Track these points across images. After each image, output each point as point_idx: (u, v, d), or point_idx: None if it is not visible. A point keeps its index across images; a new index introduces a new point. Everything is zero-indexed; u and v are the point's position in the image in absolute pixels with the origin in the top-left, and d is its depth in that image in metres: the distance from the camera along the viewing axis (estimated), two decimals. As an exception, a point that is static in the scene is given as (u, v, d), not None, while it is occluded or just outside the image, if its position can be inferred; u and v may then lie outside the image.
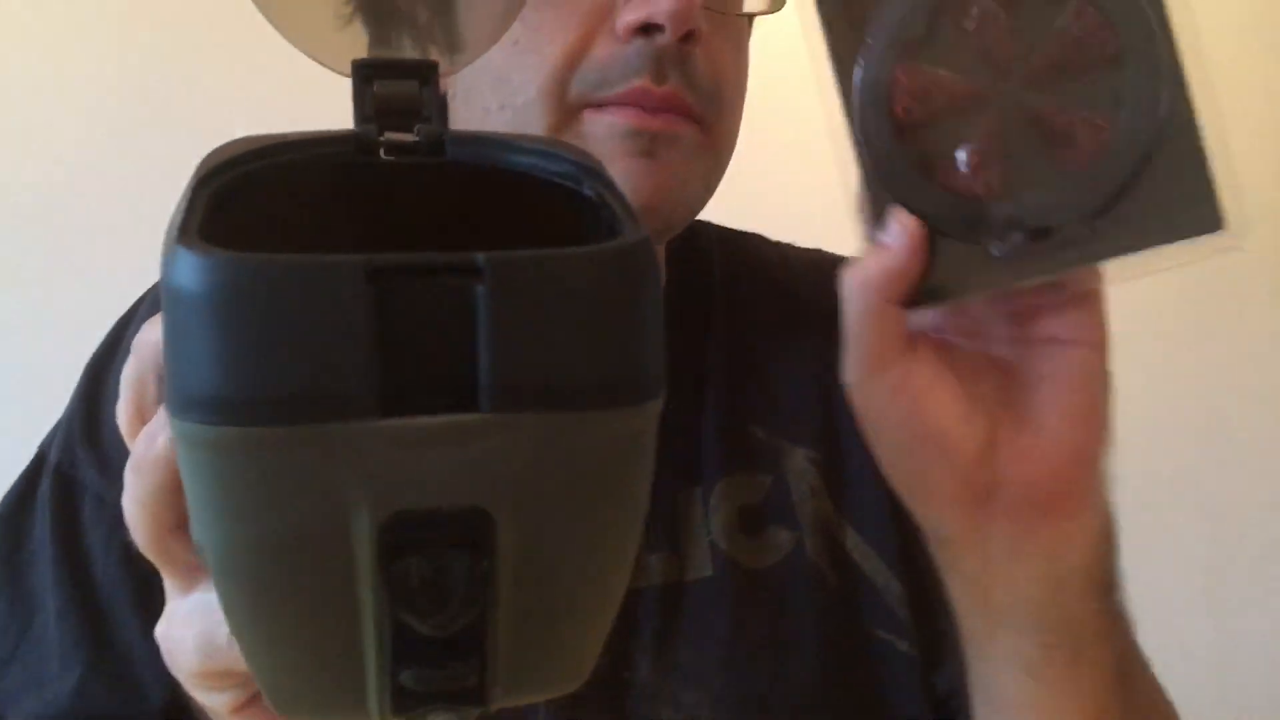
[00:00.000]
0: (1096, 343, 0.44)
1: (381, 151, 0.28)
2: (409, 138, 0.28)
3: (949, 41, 0.41)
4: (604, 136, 0.55)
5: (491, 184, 0.29)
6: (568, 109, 0.55)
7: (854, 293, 0.43)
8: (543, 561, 0.25)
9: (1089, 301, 0.44)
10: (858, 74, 0.42)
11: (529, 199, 0.29)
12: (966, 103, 0.41)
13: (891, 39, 0.42)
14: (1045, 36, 0.40)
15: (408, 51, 0.33)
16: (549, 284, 0.23)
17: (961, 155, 0.42)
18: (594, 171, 0.29)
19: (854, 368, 0.44)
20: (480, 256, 0.23)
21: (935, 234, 0.42)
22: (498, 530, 0.24)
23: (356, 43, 0.30)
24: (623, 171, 0.54)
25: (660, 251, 0.65)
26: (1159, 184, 0.40)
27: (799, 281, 0.70)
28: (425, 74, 0.29)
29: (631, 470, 0.26)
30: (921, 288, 0.42)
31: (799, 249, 0.74)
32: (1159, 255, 0.41)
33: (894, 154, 0.42)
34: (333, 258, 0.22)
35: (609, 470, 0.25)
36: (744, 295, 0.69)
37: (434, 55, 0.57)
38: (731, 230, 0.73)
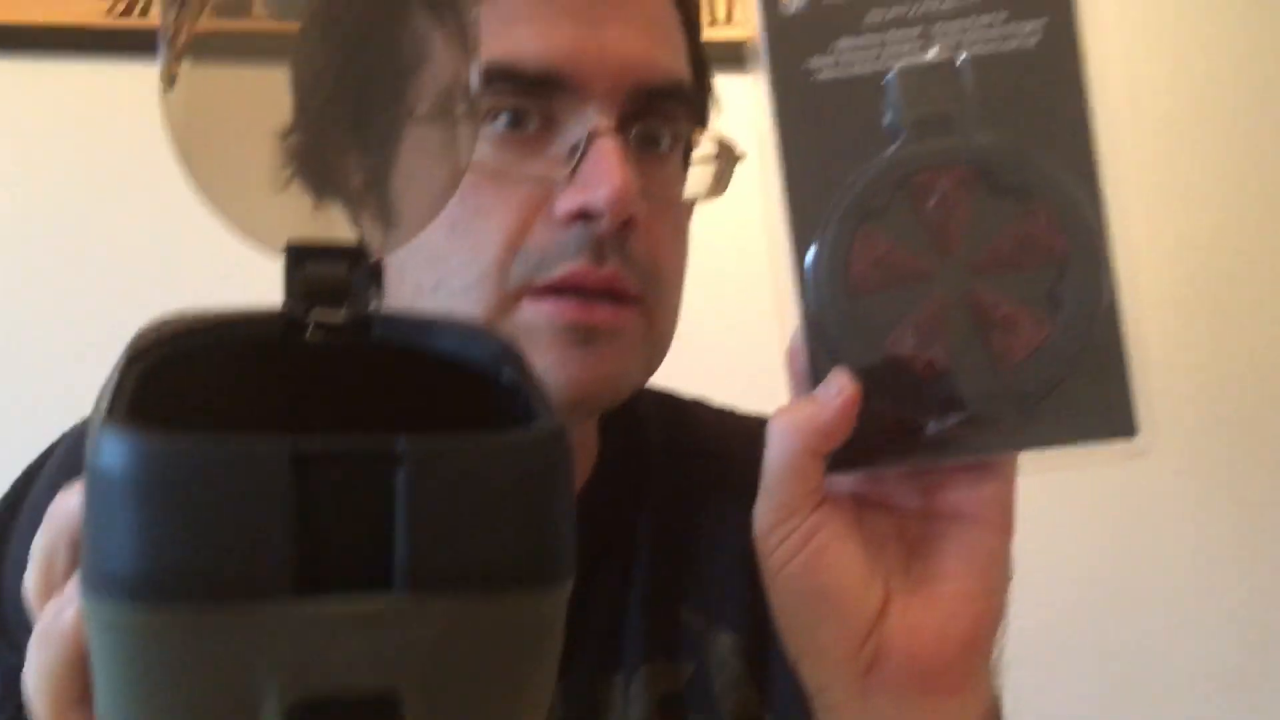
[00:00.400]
0: (1001, 525, 0.44)
1: (309, 331, 0.29)
2: (336, 319, 0.29)
3: (909, 218, 0.43)
4: (542, 326, 0.55)
5: (416, 365, 0.30)
6: (506, 295, 0.55)
7: (778, 438, 0.43)
8: None
9: (1000, 483, 0.44)
10: (816, 237, 0.44)
11: (451, 381, 0.30)
12: (918, 279, 0.43)
13: (854, 206, 0.43)
14: (999, 229, 0.42)
15: (342, 225, 0.34)
16: (466, 470, 0.24)
17: (907, 330, 0.43)
18: (514, 358, 0.30)
19: (764, 515, 0.44)
20: (401, 442, 0.24)
21: (869, 400, 0.42)
22: (406, 714, 0.24)
23: (289, 224, 0.31)
24: (559, 360, 0.55)
25: (591, 425, 0.65)
26: (1084, 385, 0.42)
27: (735, 453, 0.68)
28: (355, 258, 0.30)
29: (539, 652, 0.26)
30: (845, 451, 0.43)
31: (739, 417, 0.73)
32: (1075, 452, 0.42)
33: (842, 317, 0.43)
34: (257, 441, 0.23)
35: (518, 652, 0.25)
36: (678, 468, 0.68)
37: (368, 230, 0.59)
38: (672, 397, 0.73)
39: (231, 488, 0.23)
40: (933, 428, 0.43)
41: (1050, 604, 1.51)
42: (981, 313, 0.42)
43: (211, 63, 0.33)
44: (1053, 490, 1.38)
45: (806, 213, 0.44)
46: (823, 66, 0.44)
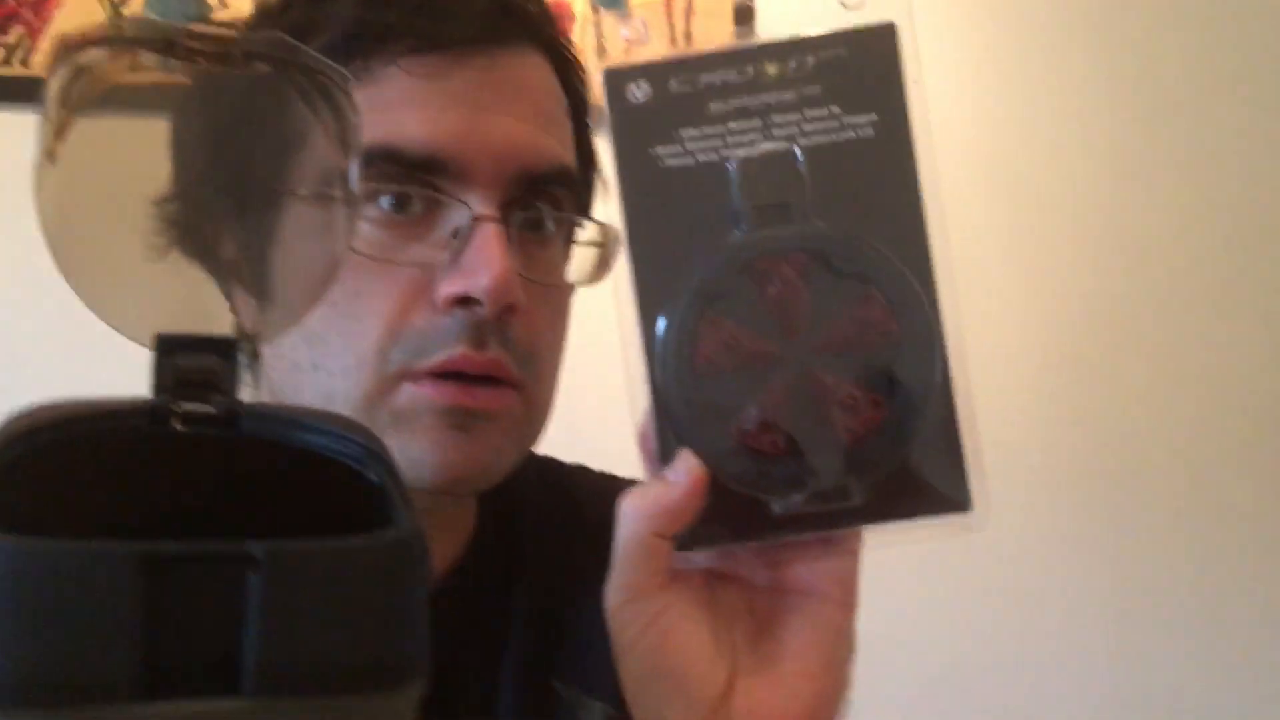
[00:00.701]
0: (843, 600, 0.45)
1: (177, 423, 0.29)
2: (205, 409, 0.30)
3: (752, 302, 0.44)
4: (422, 410, 0.55)
5: (283, 457, 0.30)
6: (385, 379, 0.55)
7: (627, 520, 0.44)
8: None
9: (842, 559, 0.45)
10: (663, 318, 0.45)
11: (319, 474, 0.30)
12: (762, 361, 0.44)
13: (700, 291, 0.44)
14: (837, 313, 0.44)
15: (215, 314, 0.35)
16: (319, 575, 0.25)
17: (752, 411, 0.44)
18: (379, 457, 0.30)
19: (613, 593, 0.45)
20: (257, 548, 0.24)
21: (717, 480, 0.44)
22: None
23: (159, 313, 0.31)
24: (436, 443, 0.55)
25: (469, 500, 0.65)
26: (921, 462, 0.44)
27: (612, 519, 0.69)
28: (226, 349, 0.30)
29: None
30: (694, 530, 0.44)
31: (621, 482, 0.71)
32: (915, 525, 0.44)
33: (689, 399, 0.44)
34: (107, 545, 0.23)
35: None
36: (555, 537, 0.68)
37: (242, 307, 0.59)
38: (551, 462, 0.73)
39: (80, 591, 0.23)
40: (779, 506, 0.44)
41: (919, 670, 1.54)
42: (823, 394, 0.44)
43: (92, 139, 0.33)
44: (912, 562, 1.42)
45: (653, 296, 0.45)
46: (668, 154, 0.45)
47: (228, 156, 0.58)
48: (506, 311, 0.55)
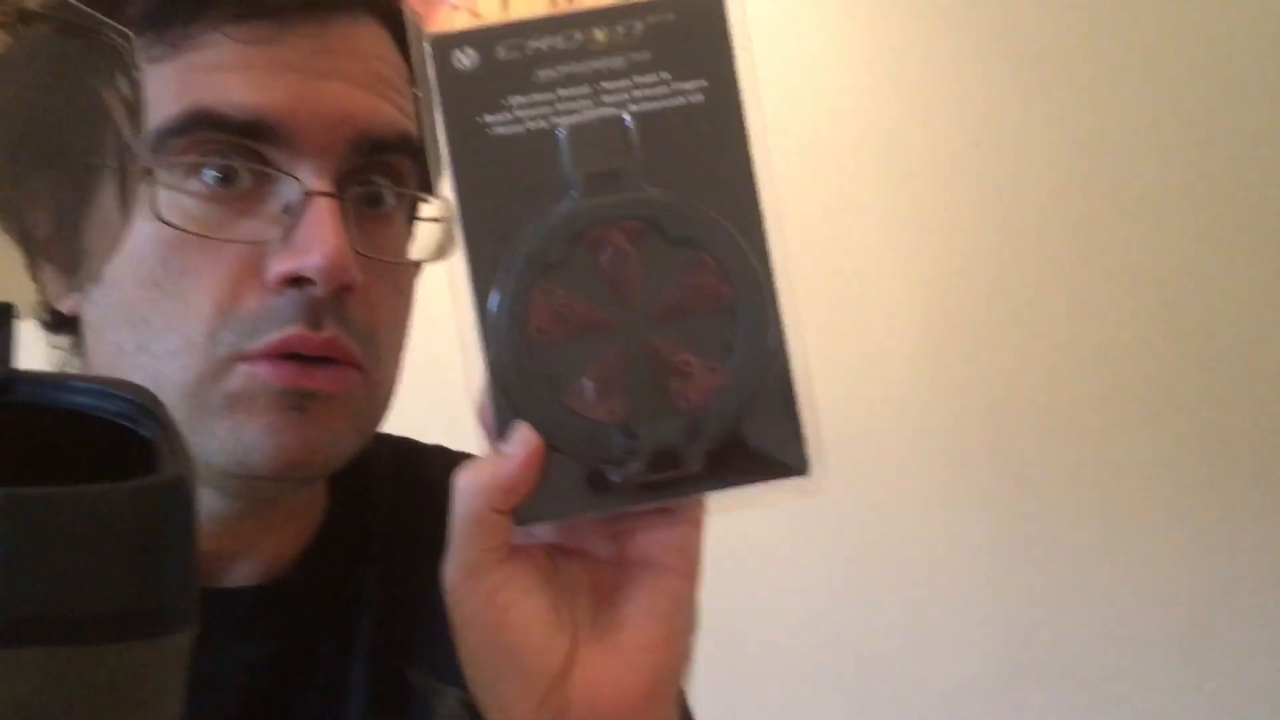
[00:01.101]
0: (685, 571, 0.45)
1: None
2: None
3: (585, 271, 0.44)
4: (257, 391, 0.53)
5: (59, 422, 0.29)
6: (217, 361, 0.53)
7: (462, 496, 0.43)
8: None
9: (684, 528, 0.45)
10: (495, 289, 0.44)
11: (95, 438, 0.29)
12: (596, 330, 0.44)
13: (531, 260, 0.44)
14: (670, 279, 0.44)
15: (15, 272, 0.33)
16: (65, 521, 0.24)
17: (587, 381, 0.44)
18: (151, 412, 0.29)
19: (450, 571, 0.44)
20: None
21: (553, 452, 0.43)
22: None
23: None
24: (272, 425, 0.53)
25: (319, 482, 0.63)
26: (758, 427, 0.43)
27: None
28: (2, 316, 0.29)
29: (151, 701, 0.26)
30: (532, 503, 0.43)
31: None
32: (754, 491, 0.44)
33: (523, 370, 0.44)
34: None
35: (125, 703, 0.25)
36: (409, 521, 0.66)
37: (50, 281, 0.56)
38: (408, 444, 0.71)
39: None
40: (615, 476, 0.43)
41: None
42: (658, 361, 0.43)
43: None
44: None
45: (485, 267, 0.44)
46: (497, 123, 0.44)
47: (38, 127, 0.56)
48: (343, 290, 0.53)
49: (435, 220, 0.61)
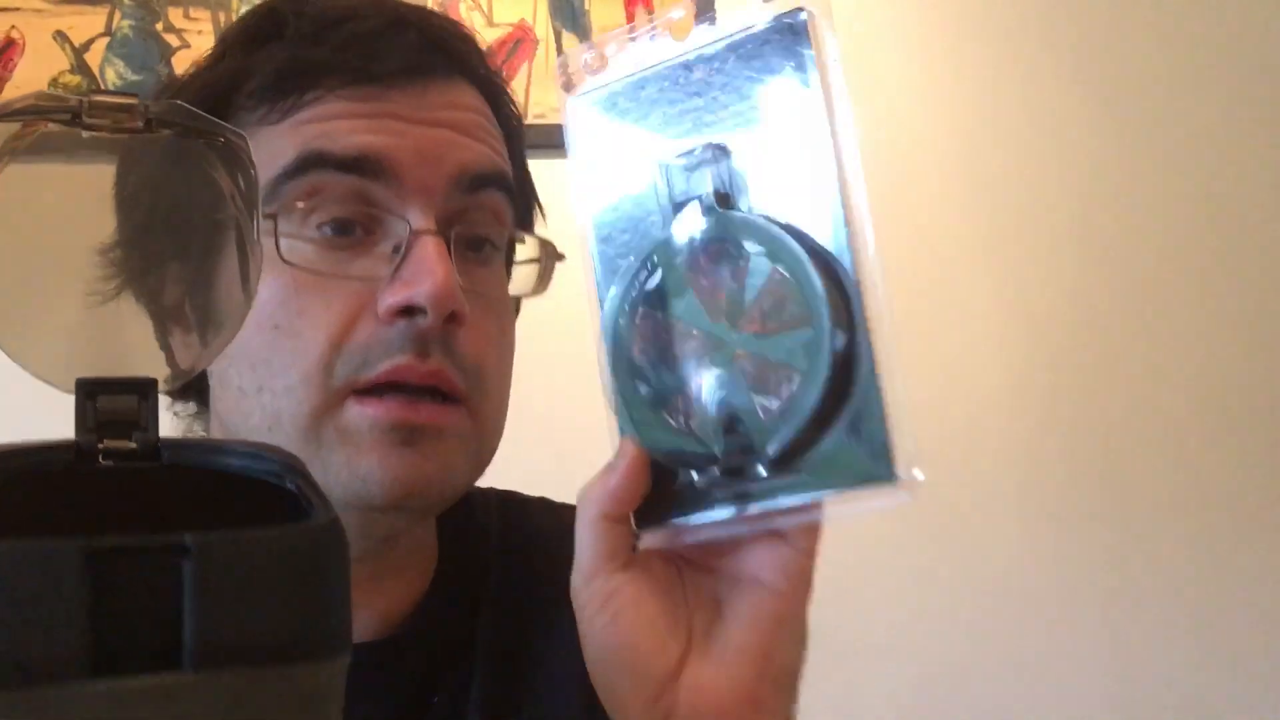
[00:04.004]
0: (789, 591, 0.47)
1: (100, 458, 0.32)
2: (127, 445, 0.32)
3: (678, 292, 0.47)
4: (366, 428, 0.55)
5: (204, 483, 0.33)
6: (332, 394, 0.56)
7: (581, 505, 0.47)
8: None
9: (791, 551, 0.47)
10: (604, 315, 0.48)
11: (239, 496, 0.33)
12: (688, 347, 0.46)
13: (631, 286, 0.48)
14: (754, 296, 0.46)
15: (138, 351, 0.37)
16: (246, 560, 0.28)
17: (681, 395, 0.47)
18: (295, 469, 0.33)
19: (574, 576, 0.48)
20: (188, 537, 0.27)
21: (660, 465, 0.47)
22: None
23: (80, 361, 0.33)
24: (382, 460, 0.55)
25: (429, 529, 0.66)
26: (845, 436, 0.44)
27: (572, 553, 0.70)
28: (144, 389, 0.33)
29: (321, 717, 0.29)
30: (646, 511, 0.47)
31: None
32: (842, 499, 0.45)
33: (627, 388, 0.47)
34: (54, 540, 0.26)
35: (303, 718, 0.29)
36: (518, 572, 0.68)
37: (179, 346, 0.60)
38: (513, 497, 0.73)
39: (31, 583, 0.26)
40: (700, 482, 0.46)
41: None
42: (743, 374, 0.45)
43: (18, 190, 0.34)
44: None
45: (602, 294, 0.49)
46: (617, 162, 0.49)
47: (165, 205, 0.60)
48: (450, 321, 0.56)
49: (532, 261, 0.65)
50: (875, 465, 0.44)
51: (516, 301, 0.66)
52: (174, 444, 0.33)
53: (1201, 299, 1.68)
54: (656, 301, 0.47)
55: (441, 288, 0.55)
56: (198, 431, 0.64)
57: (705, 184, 0.47)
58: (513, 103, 0.68)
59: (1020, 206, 1.66)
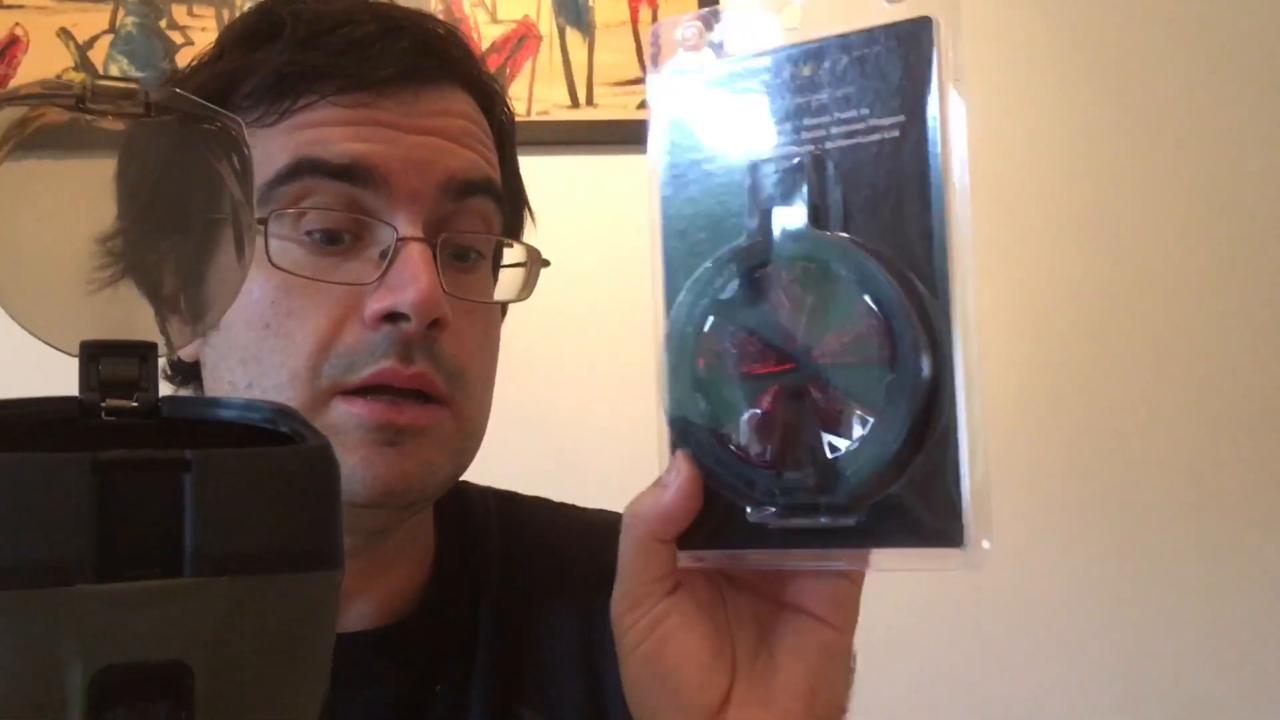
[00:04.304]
0: (838, 623, 0.45)
1: (102, 414, 0.33)
2: (129, 403, 0.34)
3: (752, 308, 0.43)
4: (351, 427, 0.57)
5: (203, 436, 0.34)
6: (318, 394, 0.57)
7: (628, 525, 0.45)
8: (235, 710, 0.29)
9: (840, 582, 0.45)
10: (669, 321, 0.45)
11: (238, 441, 0.34)
12: (760, 371, 0.43)
13: (702, 294, 0.44)
14: (835, 324, 0.42)
15: (142, 324, 0.39)
16: (242, 476, 0.30)
17: (744, 419, 0.43)
18: (288, 414, 0.35)
19: (617, 600, 0.46)
20: (188, 452, 0.29)
21: (713, 487, 0.43)
22: (196, 681, 0.28)
23: (82, 324, 0.35)
24: (366, 459, 0.57)
25: (425, 522, 0.67)
26: (915, 490, 0.41)
27: (572, 549, 0.70)
28: (145, 353, 0.35)
29: (311, 628, 0.31)
30: (694, 534, 0.44)
31: (581, 512, 0.74)
32: (902, 556, 0.41)
33: (685, 403, 0.44)
34: (62, 454, 0.28)
35: (291, 627, 0.30)
36: (519, 566, 0.69)
37: (176, 330, 0.63)
38: (512, 495, 0.75)
39: (42, 492, 0.28)
40: (753, 516, 0.43)
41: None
42: (814, 406, 0.42)
43: (26, 179, 0.36)
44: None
45: (671, 297, 0.45)
46: (703, 158, 0.45)
47: (165, 193, 0.63)
48: (434, 327, 0.57)
49: (518, 265, 0.66)
50: (944, 527, 0.40)
51: (503, 305, 0.68)
52: (173, 400, 0.35)
53: (1207, 300, 1.69)
54: (730, 313, 0.43)
55: (425, 295, 0.56)
56: None
57: (800, 195, 0.43)
58: (506, 107, 0.69)
59: (1023, 208, 1.67)
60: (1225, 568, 1.63)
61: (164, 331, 0.66)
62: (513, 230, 0.69)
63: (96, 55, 1.46)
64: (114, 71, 1.45)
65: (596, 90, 1.55)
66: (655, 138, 0.46)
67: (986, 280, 1.59)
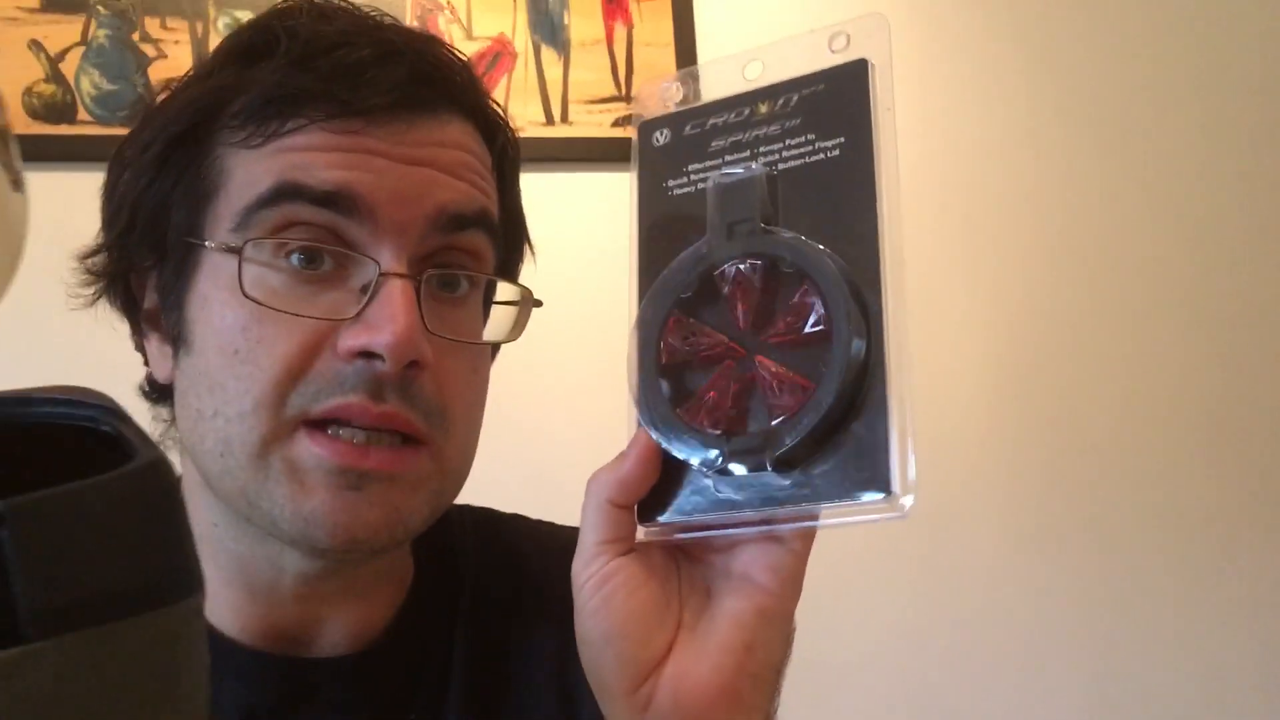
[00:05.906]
0: (777, 591, 0.47)
1: None
2: None
3: (710, 302, 0.49)
4: (311, 467, 0.55)
5: (20, 439, 0.30)
6: (282, 424, 0.55)
7: (589, 489, 0.48)
8: None
9: (782, 551, 0.48)
10: (639, 318, 0.50)
11: (61, 449, 0.30)
12: (713, 352, 0.48)
13: (666, 292, 0.50)
14: (780, 308, 0.48)
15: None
16: (66, 517, 0.25)
17: (701, 396, 0.48)
18: (113, 411, 0.30)
19: (576, 556, 0.48)
20: (2, 504, 0.24)
21: (670, 461, 0.48)
22: None
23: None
24: (327, 503, 0.54)
25: (402, 550, 0.65)
26: (849, 448, 0.45)
27: (550, 568, 0.66)
28: None
29: (177, 663, 0.27)
30: (652, 504, 0.48)
31: (558, 530, 0.73)
32: (842, 508, 0.45)
33: (650, 386, 0.49)
34: None
35: (157, 666, 0.26)
36: (493, 587, 0.68)
37: (155, 354, 0.61)
38: (489, 514, 0.73)
39: None
40: (706, 479, 0.48)
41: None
42: (761, 380, 0.47)
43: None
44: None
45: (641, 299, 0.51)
46: (675, 185, 0.52)
47: (148, 211, 0.59)
48: (411, 368, 0.55)
49: (511, 304, 0.63)
50: (872, 475, 0.45)
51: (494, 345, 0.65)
52: None
53: (1182, 312, 1.70)
54: (690, 307, 0.49)
55: (401, 337, 0.54)
56: (171, 441, 0.63)
57: (754, 206, 0.49)
58: (510, 137, 0.66)
59: (998, 217, 1.68)
60: (1198, 579, 1.65)
61: (142, 350, 0.65)
62: (509, 264, 0.66)
63: (68, 67, 1.44)
64: (86, 84, 1.43)
65: (571, 108, 1.55)
66: (636, 170, 0.53)
67: (961, 294, 1.64)
